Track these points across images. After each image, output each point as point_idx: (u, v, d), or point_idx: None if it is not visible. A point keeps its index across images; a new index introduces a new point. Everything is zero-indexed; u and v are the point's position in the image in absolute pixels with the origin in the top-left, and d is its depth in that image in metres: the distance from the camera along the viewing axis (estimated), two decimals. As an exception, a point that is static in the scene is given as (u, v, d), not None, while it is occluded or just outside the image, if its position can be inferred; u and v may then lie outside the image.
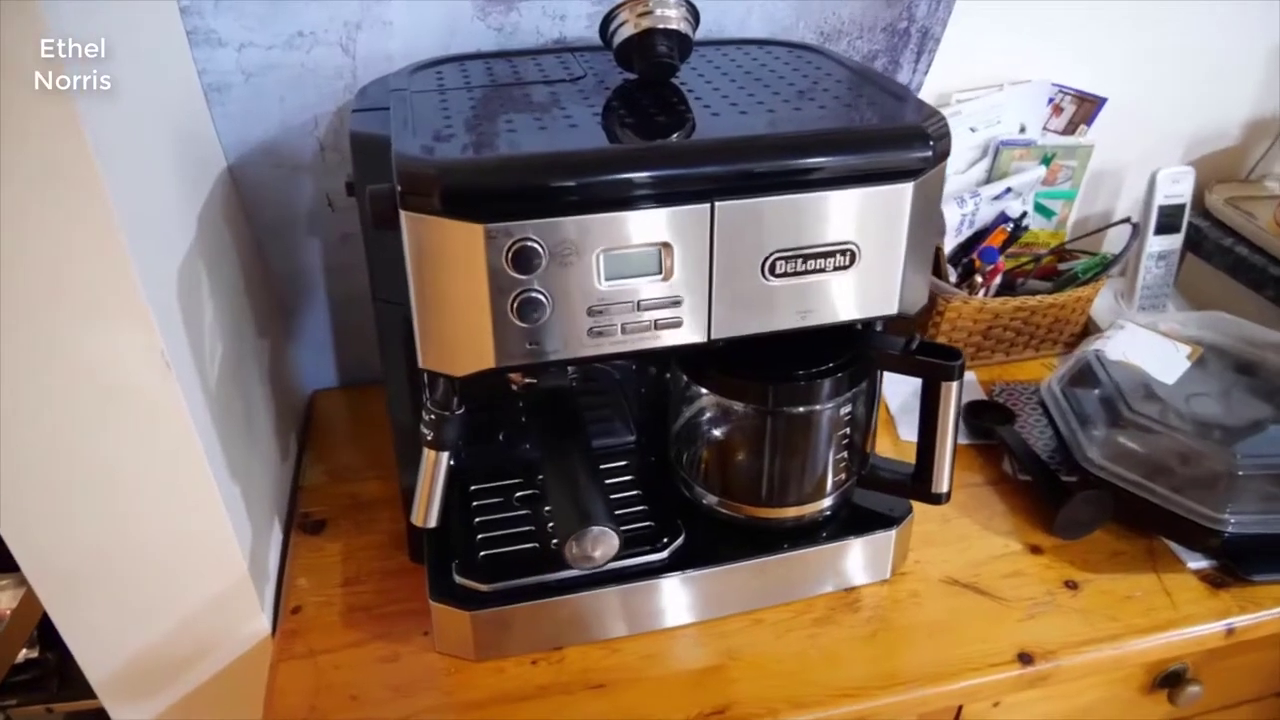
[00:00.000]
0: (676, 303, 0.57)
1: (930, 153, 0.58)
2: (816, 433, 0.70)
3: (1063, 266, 1.05)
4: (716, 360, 0.68)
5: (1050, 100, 1.01)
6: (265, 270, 0.88)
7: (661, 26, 0.64)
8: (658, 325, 0.57)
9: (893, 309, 0.62)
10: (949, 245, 1.02)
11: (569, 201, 0.52)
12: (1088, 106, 1.02)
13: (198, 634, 0.71)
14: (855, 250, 0.58)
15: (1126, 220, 1.02)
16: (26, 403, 0.56)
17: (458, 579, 0.69)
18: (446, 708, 0.67)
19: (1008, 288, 1.04)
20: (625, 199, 0.53)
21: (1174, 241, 1.04)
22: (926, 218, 0.61)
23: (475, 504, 0.76)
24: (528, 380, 0.71)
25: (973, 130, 1.00)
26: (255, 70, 0.74)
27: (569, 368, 0.70)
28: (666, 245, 0.55)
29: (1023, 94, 0.99)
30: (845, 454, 0.72)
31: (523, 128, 0.58)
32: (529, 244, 0.52)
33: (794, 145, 0.56)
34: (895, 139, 0.57)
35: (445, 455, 0.63)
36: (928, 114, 0.60)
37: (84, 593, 0.67)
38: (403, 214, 0.52)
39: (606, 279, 0.55)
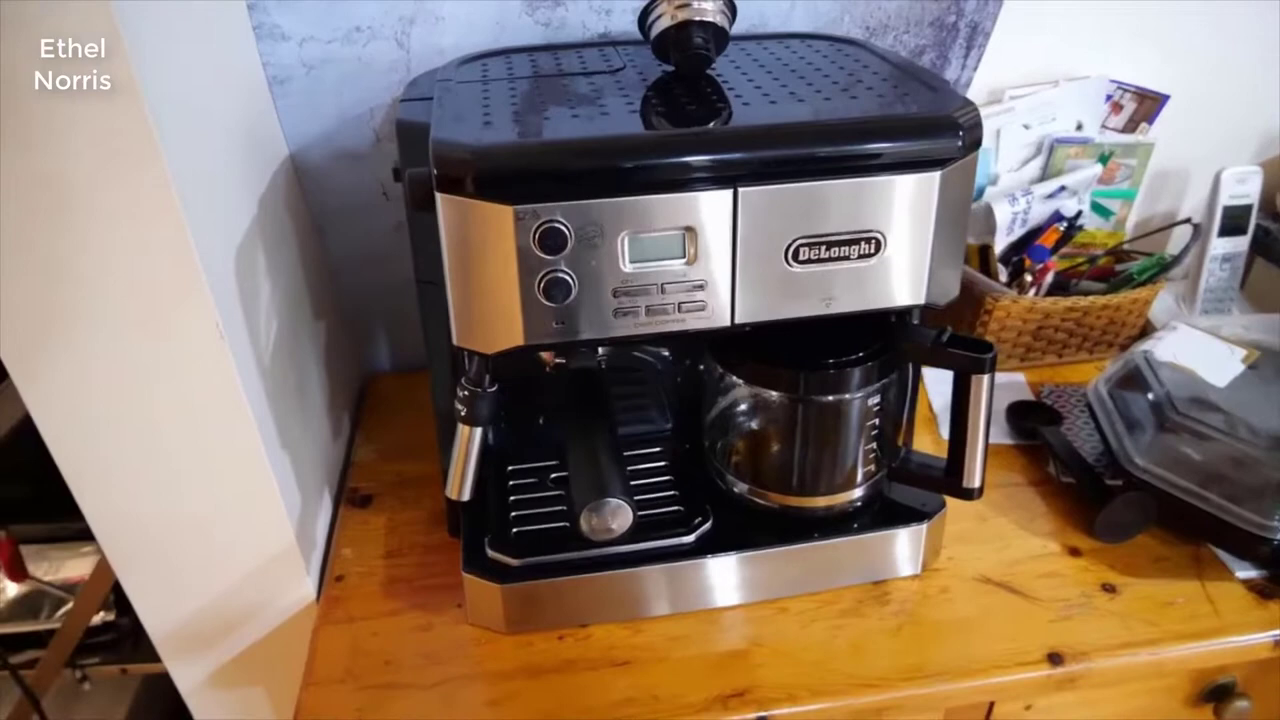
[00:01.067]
0: (700, 286, 0.58)
1: (959, 142, 0.58)
2: (846, 422, 0.70)
3: (1120, 268, 1.02)
4: (748, 348, 0.69)
5: (1109, 98, 0.99)
6: (325, 255, 0.92)
7: (698, 19, 0.65)
8: (681, 308, 0.59)
9: (920, 299, 0.62)
10: (1000, 244, 1.01)
11: (593, 185, 0.54)
12: (1149, 104, 0.99)
13: (248, 597, 0.75)
14: (880, 239, 0.59)
15: (1187, 221, 0.99)
16: (100, 380, 0.61)
17: (490, 553, 0.71)
18: (475, 676, 0.69)
19: (1061, 288, 1.02)
20: (648, 183, 0.54)
21: (1240, 244, 1.00)
22: (957, 208, 0.61)
23: (511, 483, 0.78)
24: (557, 360, 0.73)
25: (1026, 127, 0.98)
26: (315, 63, 0.78)
27: (598, 350, 0.71)
28: (690, 230, 0.56)
29: (1079, 91, 0.97)
30: (875, 445, 0.72)
31: (556, 116, 0.60)
32: (555, 225, 0.54)
33: (815, 133, 0.56)
34: (922, 127, 0.58)
35: (479, 431, 0.66)
36: (959, 104, 0.60)
37: (147, 557, 0.72)
38: (438, 196, 0.55)
39: (631, 261, 0.56)
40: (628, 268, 0.57)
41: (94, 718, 1.26)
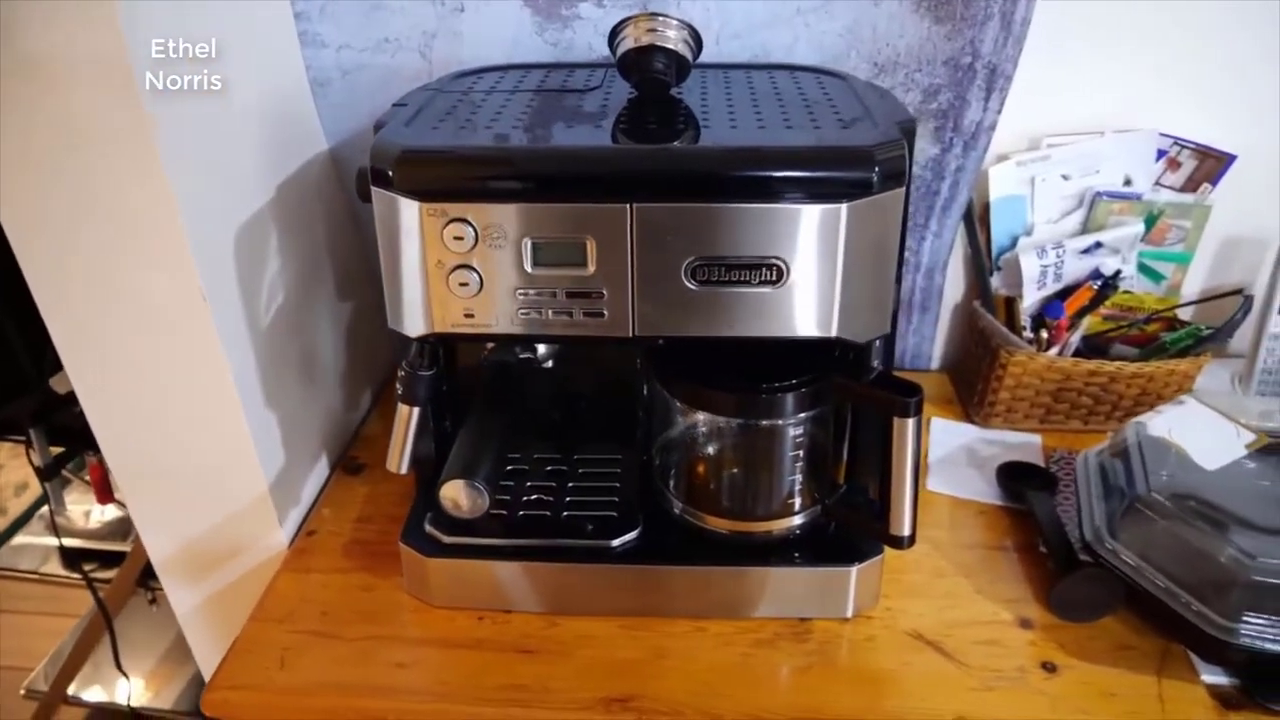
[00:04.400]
0: (599, 295, 0.61)
1: (873, 176, 0.57)
2: (771, 449, 0.71)
3: (1165, 337, 0.95)
4: (689, 366, 0.71)
5: (1162, 153, 0.92)
6: (363, 243, 1.01)
7: (660, 45, 0.68)
8: (582, 315, 0.61)
9: (829, 332, 0.62)
10: (1030, 297, 0.96)
11: (495, 190, 0.58)
12: (1213, 163, 0.92)
13: (230, 537, 0.84)
14: (783, 267, 0.59)
15: (1239, 292, 0.91)
16: (96, 328, 0.72)
17: (427, 527, 0.76)
18: (393, 639, 0.74)
19: (1100, 350, 0.96)
20: (545, 193, 0.58)
21: (1307, 323, 0.91)
22: (878, 244, 0.60)
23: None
24: (524, 355, 0.77)
25: (1065, 178, 0.93)
26: (350, 69, 0.86)
27: (537, 350, 0.75)
28: (589, 240, 0.59)
29: (1126, 143, 0.91)
30: (802, 478, 0.71)
31: (498, 126, 0.65)
32: (461, 224, 0.59)
33: (707, 157, 0.58)
34: (825, 158, 0.58)
35: (416, 410, 0.71)
36: (882, 140, 0.59)
37: (147, 489, 0.82)
38: (372, 189, 0.61)
39: (534, 265, 0.60)
40: (530, 270, 0.60)
41: (155, 636, 1.42)
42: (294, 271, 0.85)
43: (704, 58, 0.75)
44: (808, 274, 0.59)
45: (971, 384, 1.01)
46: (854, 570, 0.73)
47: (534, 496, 0.79)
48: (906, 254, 1.00)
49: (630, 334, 0.62)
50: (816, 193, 0.57)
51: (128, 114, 0.62)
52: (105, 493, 1.32)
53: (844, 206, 0.57)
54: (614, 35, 0.70)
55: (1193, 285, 0.99)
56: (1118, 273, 0.93)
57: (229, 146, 0.75)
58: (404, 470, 0.73)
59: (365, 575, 0.81)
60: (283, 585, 0.80)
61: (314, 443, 0.91)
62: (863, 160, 0.57)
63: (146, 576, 1.36)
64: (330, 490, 0.92)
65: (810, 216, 0.58)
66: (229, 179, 0.75)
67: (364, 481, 0.93)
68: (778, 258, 0.59)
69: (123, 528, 1.45)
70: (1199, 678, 0.69)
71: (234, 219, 0.75)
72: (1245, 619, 0.65)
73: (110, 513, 1.46)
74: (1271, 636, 0.64)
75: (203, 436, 0.78)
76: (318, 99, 0.88)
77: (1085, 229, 0.95)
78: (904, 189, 0.59)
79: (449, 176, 0.59)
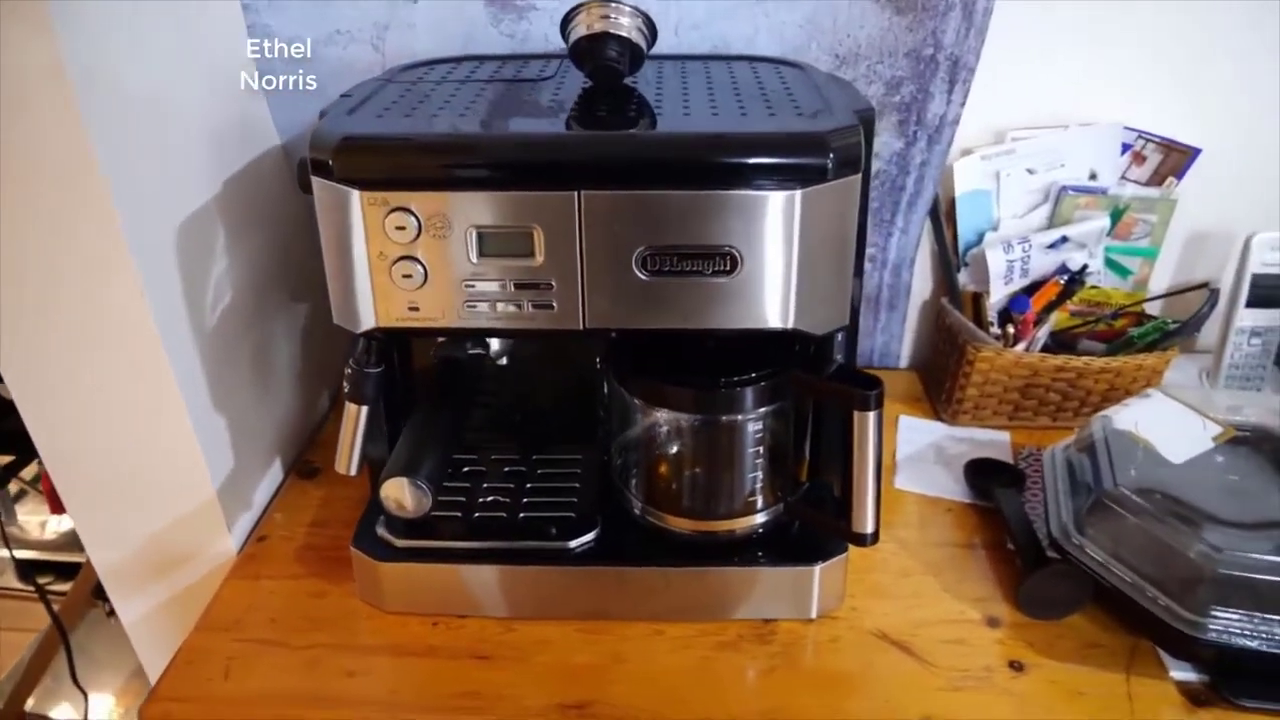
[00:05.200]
0: (548, 286, 0.59)
1: (827, 162, 0.56)
2: (729, 445, 0.69)
3: (1132, 332, 0.94)
4: (647, 361, 0.69)
5: (1128, 147, 0.92)
6: (318, 242, 0.98)
7: (613, 32, 0.66)
8: (533, 307, 0.59)
9: (786, 324, 0.60)
10: (998, 292, 0.95)
11: (437, 178, 0.56)
12: (1177, 157, 0.91)
13: (177, 544, 0.81)
14: (736, 256, 0.57)
15: (1204, 286, 0.90)
16: (30, 328, 0.69)
17: (379, 531, 0.74)
18: (344, 647, 0.72)
19: (1068, 346, 0.95)
20: (489, 180, 0.56)
21: (1274, 317, 0.90)
22: (836, 233, 0.59)
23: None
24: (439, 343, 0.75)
25: (1030, 172, 0.92)
26: (301, 62, 0.84)
27: (489, 345, 0.73)
28: (536, 230, 0.57)
29: (1090, 137, 0.90)
30: (764, 475, 0.70)
31: (445, 114, 0.63)
32: (402, 213, 0.57)
33: (660, 143, 0.56)
34: (780, 145, 0.56)
35: (365, 409, 0.69)
36: (839, 125, 0.58)
37: (87, 495, 0.80)
38: (312, 179, 0.59)
39: (480, 256, 0.58)
40: (476, 261, 0.58)
41: (116, 651, 1.38)
42: (244, 270, 0.83)
43: (663, 49, 0.74)
44: (762, 264, 0.58)
45: (940, 381, 1.00)
46: (817, 569, 0.71)
47: (491, 498, 0.77)
48: (873, 251, 0.99)
49: (581, 326, 0.60)
50: (770, 179, 0.56)
51: (58, 106, 0.60)
52: (59, 503, 1.28)
53: (798, 193, 0.56)
54: (566, 23, 0.68)
55: (1159, 280, 0.98)
56: (1084, 267, 0.92)
57: (170, 141, 0.72)
58: (353, 471, 0.71)
59: (317, 581, 0.78)
60: (230, 593, 0.77)
61: (266, 446, 0.88)
62: (817, 146, 0.56)
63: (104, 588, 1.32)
64: (283, 495, 0.89)
65: (764, 204, 0.56)
66: (171, 174, 0.73)
67: (319, 485, 0.91)
68: (731, 247, 0.57)
69: (78, 539, 1.41)
70: (1168, 675, 0.68)
71: (176, 215, 0.73)
72: (1213, 613, 0.63)
73: (66, 523, 1.42)
74: (1239, 631, 0.63)
75: (146, 441, 0.75)
76: (268, 93, 0.86)
77: (1051, 224, 0.94)
78: (861, 177, 0.58)
79: (389, 164, 0.57)
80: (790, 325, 0.60)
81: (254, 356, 0.85)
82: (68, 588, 1.40)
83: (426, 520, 0.74)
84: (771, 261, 0.58)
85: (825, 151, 0.56)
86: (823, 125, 0.58)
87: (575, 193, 0.56)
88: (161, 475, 0.77)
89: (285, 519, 0.86)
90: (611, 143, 0.57)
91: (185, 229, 0.73)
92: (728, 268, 0.58)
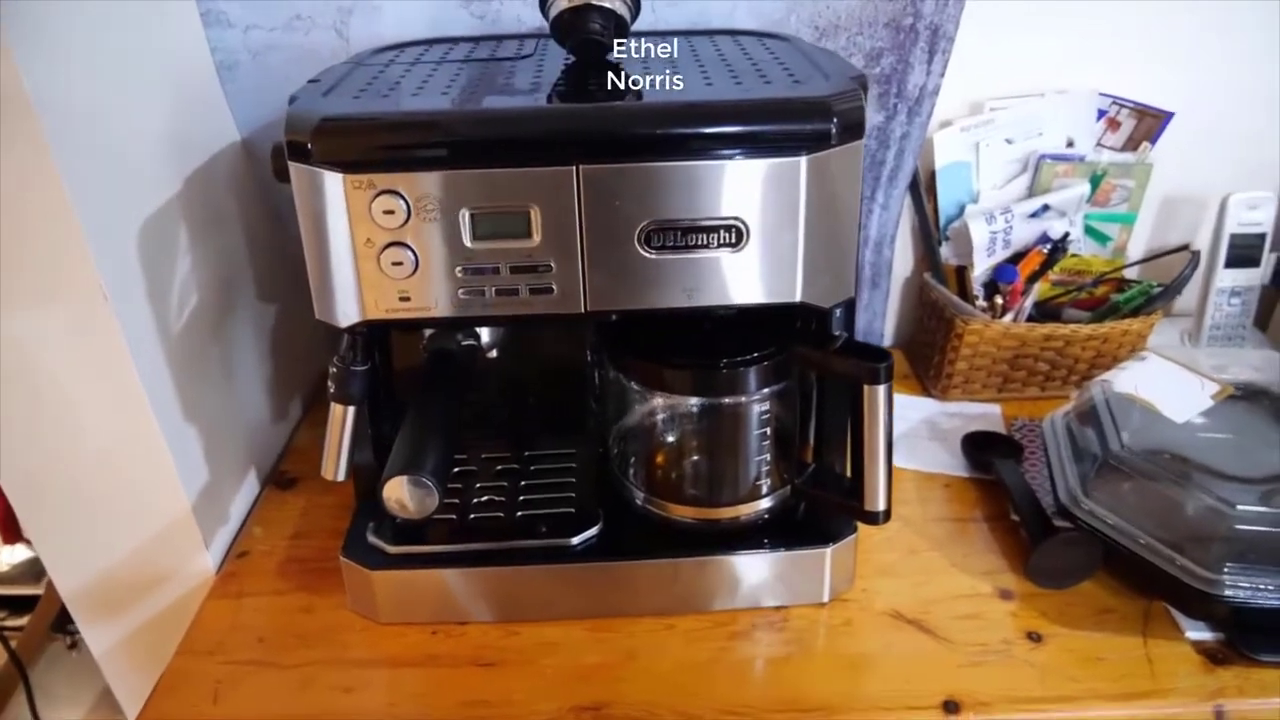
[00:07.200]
0: (547, 269, 0.56)
1: (831, 126, 0.54)
2: (735, 429, 0.67)
3: (1115, 298, 0.94)
4: (643, 345, 0.66)
5: (1103, 113, 0.92)
6: (286, 241, 0.94)
7: (596, 3, 0.64)
8: (530, 291, 0.57)
9: (794, 297, 0.58)
10: (981, 265, 0.95)
11: (424, 157, 0.53)
12: (1150, 121, 0.92)
13: (148, 567, 0.76)
14: (742, 228, 0.55)
15: (1185, 248, 0.90)
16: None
17: (369, 538, 0.70)
18: (337, 662, 0.68)
19: (1052, 316, 0.95)
20: (482, 158, 0.53)
21: (1252, 277, 0.91)
22: (840, 201, 0.57)
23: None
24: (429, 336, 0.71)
25: (1009, 142, 0.92)
26: (260, 50, 0.80)
27: (480, 336, 0.70)
28: (533, 209, 0.54)
29: (1066, 104, 0.90)
30: (769, 457, 0.68)
31: (424, 94, 0.60)
32: (391, 196, 0.53)
33: (662, 112, 0.54)
34: (783, 110, 0.54)
35: (351, 410, 0.65)
36: (840, 90, 0.56)
37: (50, 518, 0.74)
38: (290, 164, 0.55)
39: (475, 239, 0.55)
40: (471, 244, 0.55)
41: (79, 685, 1.31)
42: (208, 271, 0.78)
43: (640, 26, 0.71)
44: (768, 235, 0.56)
45: (927, 358, 0.99)
46: (829, 551, 0.69)
47: (485, 498, 0.74)
48: (855, 228, 0.98)
49: (583, 309, 0.57)
50: (774, 146, 0.54)
51: (14, 117, 0.55)
52: (12, 531, 1.21)
53: (803, 159, 0.54)
54: (545, -1, 0.65)
55: (1137, 246, 0.98)
56: (1066, 235, 0.92)
57: (126, 133, 0.68)
58: (341, 477, 0.67)
59: (304, 596, 0.74)
60: (212, 613, 0.73)
61: (240, 457, 0.84)
62: (820, 111, 0.54)
63: (64, 620, 1.25)
64: (261, 507, 0.85)
65: (769, 171, 0.54)
66: (128, 169, 0.68)
67: (298, 495, 0.86)
68: (736, 218, 0.55)
69: (34, 570, 1.33)
70: (1183, 635, 0.67)
71: (137, 213, 0.68)
72: (1228, 570, 0.63)
73: (19, 554, 1.35)
74: (1255, 586, 0.63)
75: (114, 456, 0.70)
76: (225, 84, 0.82)
77: (1031, 193, 0.94)
78: (862, 142, 0.56)
79: (375, 144, 0.54)
80: (798, 298, 0.58)
81: (222, 362, 0.81)
82: (23, 623, 1.33)
83: (419, 525, 0.71)
84: (778, 232, 0.56)
85: (829, 116, 0.54)
86: (823, 90, 0.56)
87: (574, 168, 0.53)
88: (131, 492, 0.72)
89: (265, 532, 0.81)
90: (610, 114, 0.54)
91: (148, 226, 0.68)
92: (734, 240, 0.56)
